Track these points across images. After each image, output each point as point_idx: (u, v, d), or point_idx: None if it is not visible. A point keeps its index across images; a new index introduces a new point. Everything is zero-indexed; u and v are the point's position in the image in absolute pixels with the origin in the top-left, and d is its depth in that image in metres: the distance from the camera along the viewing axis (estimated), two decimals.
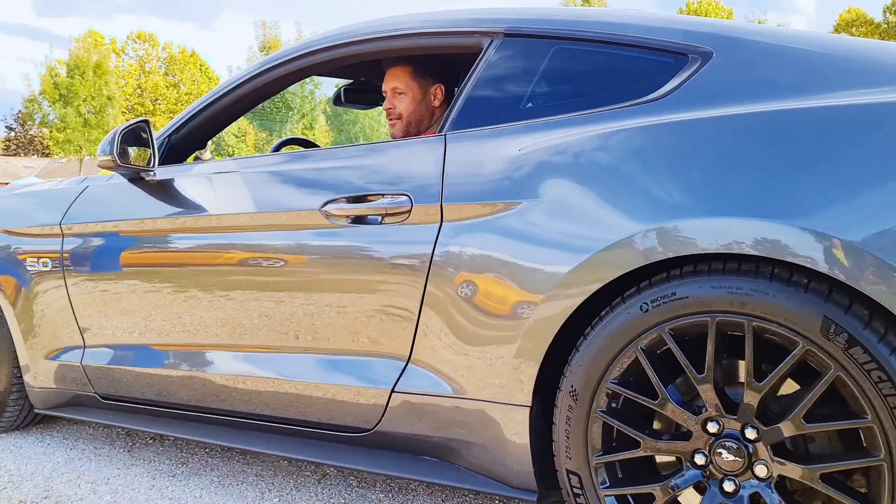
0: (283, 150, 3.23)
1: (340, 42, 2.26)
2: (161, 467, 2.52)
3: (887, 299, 1.30)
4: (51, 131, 35.66)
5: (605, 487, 1.64)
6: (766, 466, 1.48)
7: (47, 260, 2.62)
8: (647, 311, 1.54)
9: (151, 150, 2.37)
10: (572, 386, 1.65)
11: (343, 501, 2.20)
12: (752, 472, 1.50)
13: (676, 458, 1.60)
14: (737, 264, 1.47)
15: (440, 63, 2.45)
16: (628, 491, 1.62)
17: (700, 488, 1.58)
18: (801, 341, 1.39)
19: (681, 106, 1.67)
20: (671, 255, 1.51)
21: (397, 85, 2.44)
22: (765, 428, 1.48)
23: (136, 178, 2.45)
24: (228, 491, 2.28)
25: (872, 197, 1.36)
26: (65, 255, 2.57)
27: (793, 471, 1.45)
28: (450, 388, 1.84)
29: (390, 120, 2.48)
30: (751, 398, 1.47)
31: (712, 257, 1.51)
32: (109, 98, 35.06)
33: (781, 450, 1.48)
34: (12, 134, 52.23)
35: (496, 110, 1.94)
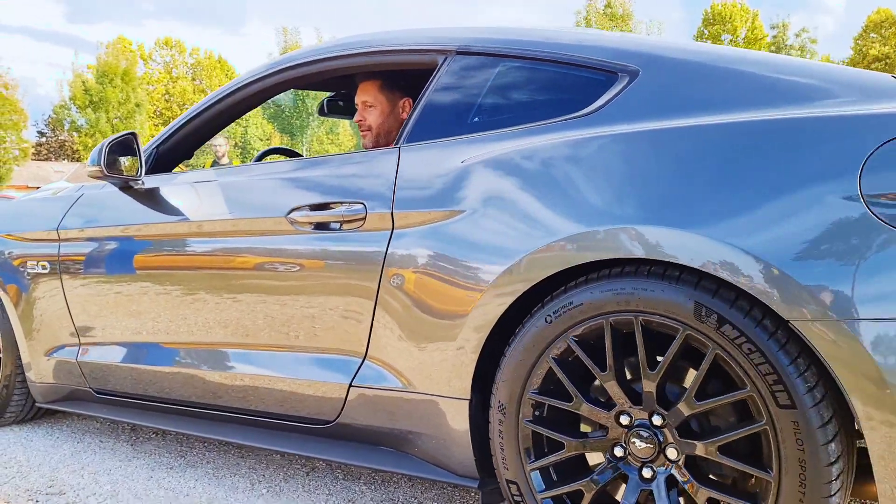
0: (265, 159, 3.39)
1: (313, 59, 2.41)
2: (160, 460, 2.68)
3: (744, 282, 1.44)
4: (80, 136, 36.43)
5: (542, 491, 1.77)
6: (675, 448, 1.61)
7: (46, 263, 2.80)
8: (551, 321, 1.69)
9: (139, 161, 2.54)
10: (500, 402, 1.79)
11: (328, 492, 2.35)
12: (665, 456, 1.63)
13: (603, 454, 1.73)
14: (620, 268, 1.62)
15: (410, 78, 2.60)
16: (561, 491, 1.75)
17: (625, 479, 1.71)
18: (681, 327, 1.54)
19: (608, 121, 1.80)
20: (569, 265, 1.65)
21: (367, 98, 2.59)
22: (666, 412, 1.61)
23: (126, 187, 2.62)
24: (221, 482, 2.44)
25: (727, 199, 1.52)
26: (61, 258, 2.75)
27: (697, 448, 1.57)
28: (400, 383, 1.99)
29: (361, 131, 2.63)
30: (649, 387, 1.61)
31: (602, 264, 1.65)
32: (138, 105, 35.81)
33: (687, 431, 1.61)
34: (43, 139, 53.27)
35: (446, 124, 2.08)
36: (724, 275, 1.48)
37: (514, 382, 1.76)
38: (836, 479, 1.45)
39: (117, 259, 2.61)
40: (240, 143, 39.80)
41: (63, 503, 2.28)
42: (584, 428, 1.78)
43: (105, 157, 2.46)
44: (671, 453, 1.62)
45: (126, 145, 2.54)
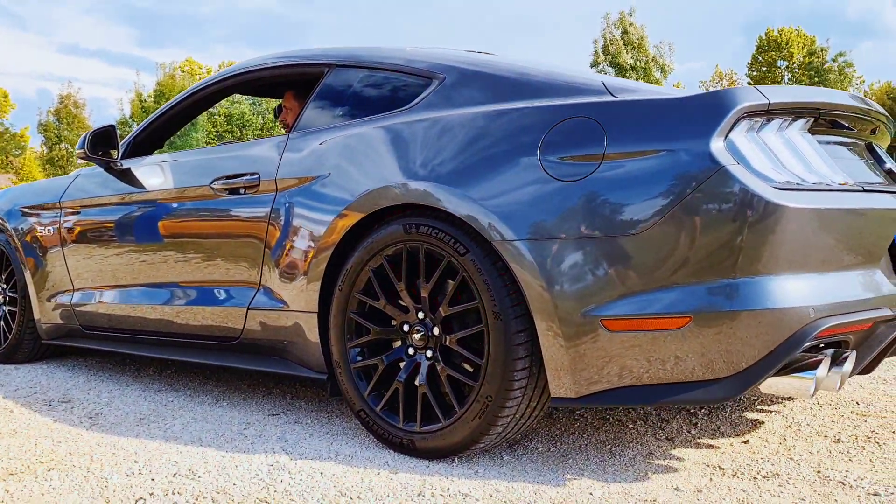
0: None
1: (247, 70, 3.19)
2: (152, 385, 3.43)
3: (472, 218, 2.14)
4: None
5: (353, 363, 2.47)
6: (437, 339, 2.29)
7: (51, 228, 3.64)
8: (371, 245, 2.38)
9: (117, 148, 3.36)
10: (338, 303, 2.48)
11: (260, 400, 3.08)
12: (431, 344, 2.31)
13: (395, 341, 2.42)
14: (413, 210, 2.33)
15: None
16: (364, 363, 2.44)
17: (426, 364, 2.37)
18: (445, 254, 2.21)
19: (419, 112, 2.51)
20: (378, 208, 2.36)
21: (286, 104, 3.39)
22: (433, 315, 2.30)
23: (109, 168, 3.43)
24: (193, 398, 3.15)
25: (471, 163, 2.22)
26: (62, 223, 3.58)
27: (449, 340, 2.26)
28: (281, 304, 2.71)
29: (284, 129, 3.40)
30: (424, 294, 2.29)
31: (403, 207, 2.35)
32: (193, 124, 37.69)
33: (448, 328, 2.29)
34: None
35: (321, 118, 2.82)
36: (458, 211, 2.17)
37: (346, 286, 2.45)
38: (522, 370, 2.11)
39: (97, 221, 3.42)
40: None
41: (70, 408, 3.04)
42: (393, 323, 2.46)
43: (88, 143, 3.28)
44: (433, 342, 2.31)
45: (108, 135, 3.36)
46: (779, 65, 46.77)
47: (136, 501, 2.00)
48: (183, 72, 39.88)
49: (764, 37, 51.72)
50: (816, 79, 43.21)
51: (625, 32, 39.24)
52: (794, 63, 46.48)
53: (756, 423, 2.61)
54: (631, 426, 2.60)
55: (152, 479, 2.16)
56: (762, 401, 2.91)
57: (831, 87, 43.22)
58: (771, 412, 2.75)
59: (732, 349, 1.89)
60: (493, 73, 2.48)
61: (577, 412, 2.78)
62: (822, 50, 45.87)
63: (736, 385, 1.92)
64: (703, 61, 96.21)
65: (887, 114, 2.54)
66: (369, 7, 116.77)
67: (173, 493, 2.05)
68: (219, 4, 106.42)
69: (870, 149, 2.45)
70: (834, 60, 45.13)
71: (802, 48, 47.41)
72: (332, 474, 2.18)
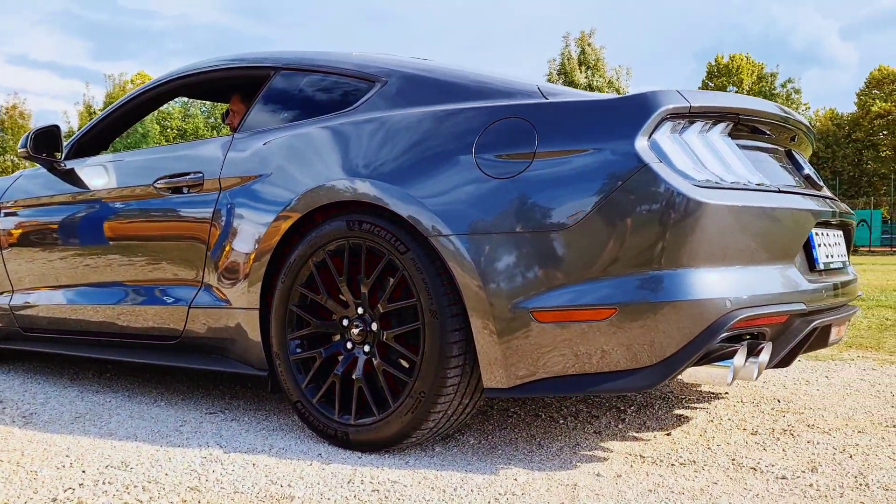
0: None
1: (193, 72, 3.22)
2: (91, 386, 3.39)
3: (412, 215, 2.20)
4: None
5: (293, 354, 2.49)
6: (374, 335, 2.34)
7: None
8: (314, 240, 2.42)
9: (60, 149, 3.35)
10: (279, 296, 2.51)
11: (201, 395, 3.08)
12: (369, 339, 2.36)
13: (334, 335, 2.46)
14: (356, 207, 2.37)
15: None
16: (303, 356, 2.48)
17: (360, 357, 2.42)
18: (385, 252, 2.26)
19: (361, 113, 2.57)
20: (326, 203, 2.40)
21: (232, 107, 3.43)
22: (371, 311, 2.35)
23: (52, 168, 3.42)
24: (133, 399, 3.13)
25: (409, 162, 2.28)
26: (1, 224, 3.54)
27: (386, 336, 2.31)
28: (223, 302, 2.73)
29: (230, 131, 3.42)
30: (364, 289, 2.34)
31: (346, 204, 2.40)
32: (144, 135, 37.26)
33: (386, 324, 2.34)
34: None
35: (265, 119, 2.87)
36: (399, 210, 2.23)
37: (289, 279, 2.48)
38: (455, 367, 2.17)
39: (38, 222, 3.40)
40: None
41: (2, 408, 2.97)
42: (334, 317, 2.49)
43: (31, 142, 3.27)
44: (371, 338, 2.36)
45: (52, 135, 3.34)
46: (729, 90, 48.10)
47: (65, 491, 2.00)
48: (134, 84, 39.44)
49: (714, 63, 53.15)
50: None
51: (583, 52, 40.02)
52: (743, 89, 47.84)
53: (681, 418, 2.71)
54: (561, 422, 2.68)
55: (83, 471, 2.15)
56: (689, 399, 3.01)
57: None
58: (696, 409, 2.85)
59: (654, 339, 1.98)
60: (433, 77, 2.56)
61: (511, 409, 2.85)
62: (771, 76, 47.45)
63: (658, 374, 2.00)
64: (658, 87, 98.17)
65: (807, 123, 2.68)
66: (326, 24, 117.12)
67: (103, 483, 2.05)
68: (174, 18, 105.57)
69: (789, 155, 2.59)
70: (783, 86, 46.69)
71: (752, 74, 48.93)
72: (264, 465, 2.20)
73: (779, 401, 2.98)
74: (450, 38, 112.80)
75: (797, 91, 46.77)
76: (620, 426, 2.62)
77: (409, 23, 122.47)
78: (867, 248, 32.47)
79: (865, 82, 58.61)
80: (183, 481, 2.06)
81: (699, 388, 3.22)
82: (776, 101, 43.89)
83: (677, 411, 2.82)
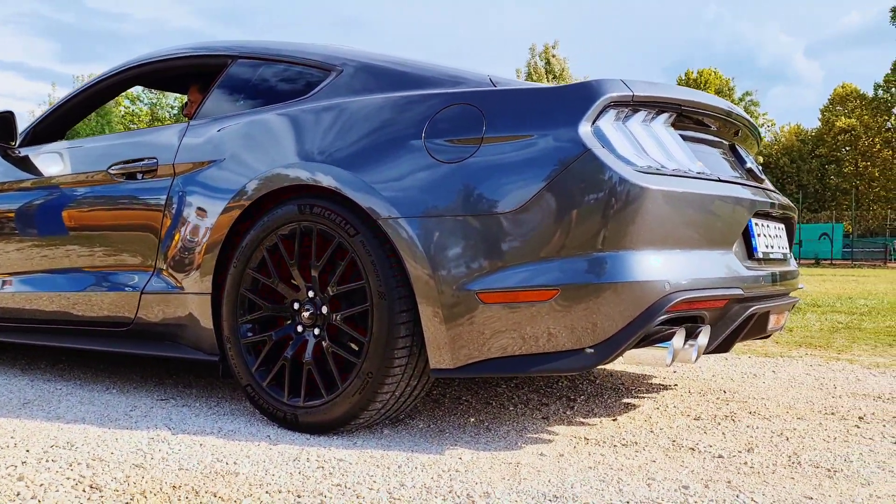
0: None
1: (147, 61, 3.22)
2: (42, 375, 3.35)
3: (361, 200, 2.23)
4: None
5: (243, 338, 2.50)
6: (324, 318, 2.36)
7: None
8: (266, 224, 2.43)
9: (15, 136, 3.32)
10: (231, 279, 2.52)
11: (155, 382, 3.06)
12: (319, 322, 2.38)
13: (285, 319, 2.48)
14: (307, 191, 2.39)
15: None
16: (253, 339, 2.49)
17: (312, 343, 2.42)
18: (335, 235, 2.28)
19: (318, 100, 2.60)
20: (278, 187, 2.42)
21: (190, 97, 3.43)
22: (322, 294, 2.37)
23: (6, 155, 3.39)
24: (84, 387, 3.10)
25: (361, 147, 2.31)
26: None
27: (336, 318, 2.33)
28: (176, 287, 2.73)
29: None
30: (315, 273, 2.36)
31: (298, 188, 2.42)
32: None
33: (336, 307, 2.36)
34: None
35: (221, 106, 2.88)
36: (349, 193, 2.26)
37: (241, 263, 2.49)
38: (403, 348, 2.20)
39: None
40: None
41: None
42: (285, 300, 2.50)
43: None
44: (321, 320, 2.38)
45: (6, 122, 3.32)
46: None
47: (7, 468, 1.98)
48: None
49: (683, 77, 54.02)
50: None
51: (548, 63, 40.58)
52: None
53: (628, 406, 2.76)
54: (511, 408, 2.72)
55: (27, 451, 2.14)
56: (639, 389, 3.07)
57: None
58: (644, 398, 2.91)
59: (596, 320, 2.02)
60: (387, 66, 2.59)
61: (463, 398, 2.88)
62: (729, 89, 48.51)
63: (599, 353, 2.05)
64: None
65: (751, 120, 2.76)
66: (299, 29, 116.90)
67: (47, 461, 2.04)
68: (146, 22, 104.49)
69: (733, 149, 2.66)
70: (742, 99, 47.68)
71: (716, 90, 49.90)
72: (211, 445, 2.21)
73: (725, 391, 3.05)
74: (422, 48, 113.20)
75: (755, 104, 48.13)
76: (569, 413, 2.66)
77: (381, 31, 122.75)
78: (829, 261, 33.08)
79: (829, 99, 59.95)
80: (128, 459, 2.06)
81: (650, 381, 3.29)
82: None
83: (626, 400, 2.87)
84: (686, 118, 2.37)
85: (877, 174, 56.07)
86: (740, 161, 2.64)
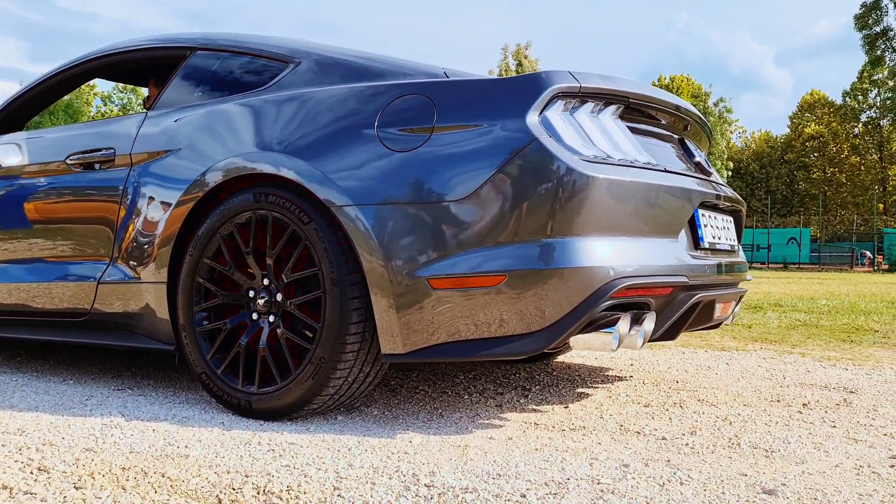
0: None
1: (107, 53, 3.22)
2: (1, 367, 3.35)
3: (315, 187, 2.25)
4: None
5: (198, 326, 2.52)
6: (279, 305, 2.38)
7: None
8: (222, 213, 2.45)
9: None
10: (187, 269, 2.53)
11: (113, 372, 3.06)
12: (274, 309, 2.40)
13: (241, 307, 2.50)
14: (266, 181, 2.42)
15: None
16: (208, 328, 2.51)
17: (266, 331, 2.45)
18: (290, 222, 2.31)
19: (276, 91, 2.62)
20: (233, 176, 2.44)
21: (150, 90, 3.43)
22: (276, 281, 2.39)
23: None
24: (40, 379, 3.08)
25: (316, 136, 2.34)
26: None
27: (290, 305, 2.35)
28: (133, 276, 2.74)
29: None
30: (269, 261, 2.39)
31: (254, 177, 2.45)
32: None
33: (290, 294, 2.39)
34: None
35: (179, 97, 2.89)
36: (303, 181, 2.28)
37: (197, 252, 2.51)
38: (355, 334, 2.23)
39: None
40: None
41: None
42: (240, 288, 2.52)
43: None
44: (276, 308, 2.40)
45: None
46: None
47: None
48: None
49: (656, 83, 54.55)
50: None
51: (519, 65, 40.86)
52: None
53: (581, 395, 2.82)
54: (466, 397, 2.76)
55: None
56: (594, 380, 3.13)
57: (713, 130, 46.80)
58: (598, 388, 2.96)
59: (542, 305, 2.07)
60: (344, 59, 2.63)
61: (419, 387, 2.92)
62: (705, 94, 49.18)
63: (546, 338, 2.09)
64: None
65: (700, 115, 2.83)
66: (270, 32, 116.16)
67: None
68: (117, 22, 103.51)
69: (682, 143, 2.73)
70: (716, 105, 48.39)
71: (691, 95, 50.57)
72: (164, 431, 2.22)
73: (677, 381, 3.12)
74: (397, 50, 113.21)
75: (728, 110, 49.09)
76: (522, 401, 2.71)
77: (354, 34, 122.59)
78: (797, 265, 33.59)
79: (798, 106, 60.97)
80: (79, 443, 2.07)
81: (606, 372, 3.34)
82: (709, 118, 45.87)
83: (580, 389, 2.93)
84: (635, 111, 2.43)
85: (844, 180, 57.13)
86: (689, 154, 2.71)
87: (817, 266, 33.96)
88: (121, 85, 57.41)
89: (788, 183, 57.56)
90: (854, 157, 56.83)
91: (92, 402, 2.61)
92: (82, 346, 3.99)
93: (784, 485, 1.73)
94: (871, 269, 31.98)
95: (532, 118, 2.12)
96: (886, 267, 31.49)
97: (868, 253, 34.56)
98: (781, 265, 33.36)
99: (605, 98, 2.30)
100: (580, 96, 2.23)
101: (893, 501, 1.62)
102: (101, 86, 55.15)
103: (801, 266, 33.43)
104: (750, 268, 29.17)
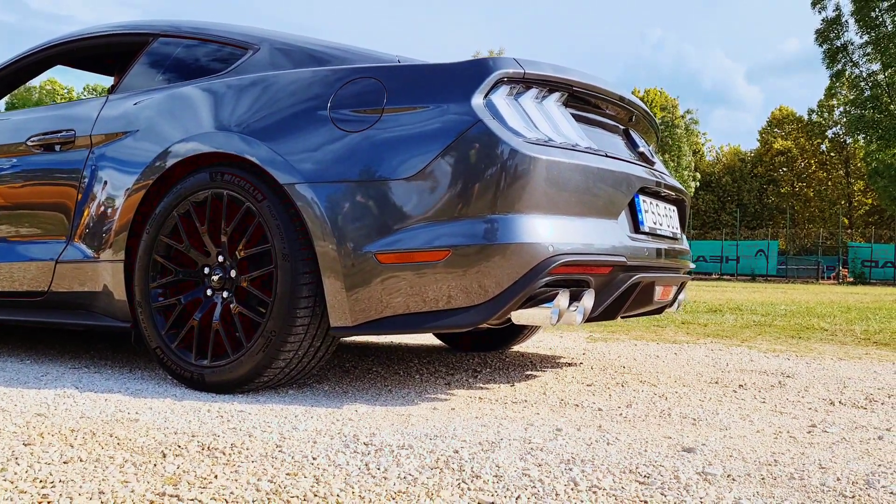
0: None
1: (69, 39, 3.27)
2: None
3: (270, 168, 2.32)
4: None
5: (154, 302, 2.57)
6: (233, 281, 2.45)
7: None
8: (179, 191, 2.52)
9: None
10: (144, 245, 2.59)
11: (74, 353, 3.09)
12: (227, 286, 2.46)
13: (196, 283, 2.56)
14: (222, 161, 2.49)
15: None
16: (163, 304, 2.56)
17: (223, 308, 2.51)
18: (245, 200, 2.38)
19: (235, 75, 2.69)
20: (189, 155, 2.51)
21: (114, 77, 3.47)
22: (231, 258, 2.46)
23: None
24: (20, 358, 3.14)
25: (271, 118, 2.41)
26: None
27: (240, 280, 2.42)
28: (91, 255, 2.78)
29: None
30: (224, 238, 2.45)
31: (210, 157, 2.51)
32: None
33: (244, 270, 2.45)
34: None
35: (141, 82, 2.95)
36: (256, 160, 2.36)
37: (154, 230, 2.56)
38: (305, 308, 2.30)
39: None
40: None
41: None
42: (195, 265, 2.58)
43: None
44: (229, 284, 2.47)
45: None
46: None
47: None
48: (42, 89, 38.23)
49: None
50: (666, 133, 47.31)
51: None
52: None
53: (529, 376, 2.91)
54: (417, 377, 2.84)
55: None
56: (544, 366, 3.22)
57: (679, 142, 47.89)
58: (547, 370, 3.06)
59: (484, 279, 2.16)
60: (302, 46, 2.71)
61: (373, 369, 2.99)
62: (673, 106, 50.06)
63: (487, 310, 2.18)
64: None
65: (646, 108, 2.95)
66: None
67: None
68: (88, 24, 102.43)
69: (626, 133, 2.84)
70: (682, 117, 49.23)
71: (660, 108, 51.31)
72: (116, 400, 2.27)
73: (624, 367, 3.23)
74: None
75: (695, 122, 50.44)
76: (471, 380, 2.79)
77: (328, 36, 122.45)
78: (764, 277, 34.10)
79: (767, 121, 61.95)
80: (31, 409, 2.12)
81: (558, 359, 3.44)
82: (678, 129, 46.75)
83: (529, 372, 3.02)
84: (580, 100, 2.54)
85: (811, 195, 58.11)
86: (633, 144, 2.82)
87: (784, 278, 34.50)
88: (90, 86, 56.91)
89: (759, 196, 58.42)
90: (821, 173, 57.87)
91: (48, 378, 2.65)
92: (42, 330, 4.02)
93: (704, 445, 1.83)
94: (836, 281, 32.58)
95: (477, 101, 2.22)
96: (851, 280, 32.10)
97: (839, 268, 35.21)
98: (749, 277, 33.85)
99: (549, 85, 2.40)
100: (525, 82, 2.34)
101: (802, 458, 1.73)
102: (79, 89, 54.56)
103: (769, 278, 33.94)
104: (719, 279, 29.56)
